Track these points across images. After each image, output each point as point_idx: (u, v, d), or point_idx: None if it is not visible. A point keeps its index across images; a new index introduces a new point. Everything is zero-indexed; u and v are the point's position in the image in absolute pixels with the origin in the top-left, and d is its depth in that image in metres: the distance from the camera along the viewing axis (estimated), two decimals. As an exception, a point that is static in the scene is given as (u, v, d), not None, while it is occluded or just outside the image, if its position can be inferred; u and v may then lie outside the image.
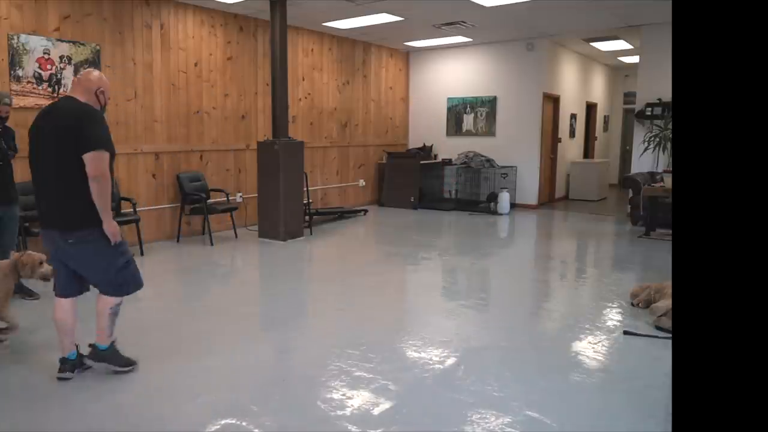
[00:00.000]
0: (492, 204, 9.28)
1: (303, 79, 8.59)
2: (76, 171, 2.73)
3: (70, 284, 2.98)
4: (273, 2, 6.59)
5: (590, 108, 12.39)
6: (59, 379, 2.97)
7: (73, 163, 2.72)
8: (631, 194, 8.06)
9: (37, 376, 3.03)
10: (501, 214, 9.08)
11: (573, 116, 11.29)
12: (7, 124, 4.29)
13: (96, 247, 2.84)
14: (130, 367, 3.09)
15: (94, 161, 2.71)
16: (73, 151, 2.72)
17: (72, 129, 2.72)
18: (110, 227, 2.81)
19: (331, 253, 6.50)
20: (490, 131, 10.08)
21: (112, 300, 2.97)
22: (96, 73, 2.96)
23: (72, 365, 3.01)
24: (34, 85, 5.44)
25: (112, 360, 3.04)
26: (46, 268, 3.21)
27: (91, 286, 3.06)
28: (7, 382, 3.02)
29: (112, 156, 2.85)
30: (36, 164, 2.87)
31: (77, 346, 3.05)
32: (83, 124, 2.74)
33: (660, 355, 3.39)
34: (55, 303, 2.99)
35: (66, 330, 2.99)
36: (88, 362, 3.04)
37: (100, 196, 2.74)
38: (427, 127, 10.79)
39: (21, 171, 4.59)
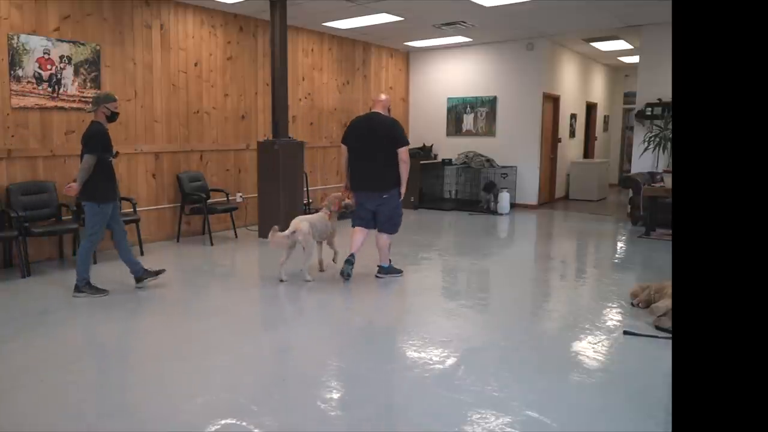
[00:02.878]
0: (490, 196, 9.25)
1: (303, 79, 8.59)
2: (391, 155, 4.76)
3: (368, 222, 5.02)
4: (273, 2, 6.59)
5: (590, 108, 12.39)
6: (342, 274, 4.95)
7: (389, 151, 4.75)
8: (631, 194, 8.06)
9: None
10: (501, 214, 9.08)
11: (573, 116, 11.29)
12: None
13: (395, 199, 4.91)
14: (402, 273, 5.17)
15: (404, 152, 4.79)
16: (390, 144, 4.75)
17: (389, 132, 4.79)
18: (404, 189, 4.91)
19: (331, 253, 6.50)
20: (490, 131, 10.08)
21: (386, 237, 5.01)
22: (388, 96, 5.04)
23: (350, 265, 4.96)
24: (34, 85, 5.44)
25: (391, 271, 5.13)
26: (348, 202, 5.18)
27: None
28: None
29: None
30: (363, 151, 4.83)
31: (353, 255, 4.98)
32: (396, 129, 4.84)
33: (660, 355, 3.39)
34: (354, 230, 5.01)
35: (355, 246, 4.99)
36: (380, 275, 5.09)
37: (405, 171, 4.82)
38: (427, 127, 10.79)
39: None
